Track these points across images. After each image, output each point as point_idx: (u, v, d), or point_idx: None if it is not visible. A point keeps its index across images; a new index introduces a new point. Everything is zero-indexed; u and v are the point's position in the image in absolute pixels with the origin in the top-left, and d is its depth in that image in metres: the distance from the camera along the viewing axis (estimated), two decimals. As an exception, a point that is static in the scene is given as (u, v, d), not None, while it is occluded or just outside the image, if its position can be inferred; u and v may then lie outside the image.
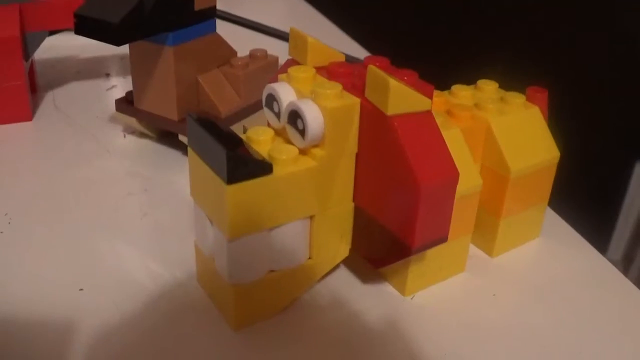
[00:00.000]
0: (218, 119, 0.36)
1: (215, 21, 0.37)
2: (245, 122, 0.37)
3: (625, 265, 0.74)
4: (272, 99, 0.25)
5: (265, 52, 0.38)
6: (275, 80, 0.26)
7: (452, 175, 0.24)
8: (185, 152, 0.36)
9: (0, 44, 0.39)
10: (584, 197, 0.61)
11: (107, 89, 0.47)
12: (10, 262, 0.28)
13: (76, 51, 0.52)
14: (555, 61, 0.63)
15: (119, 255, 0.29)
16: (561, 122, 0.32)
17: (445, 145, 0.24)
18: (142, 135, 0.40)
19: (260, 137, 0.24)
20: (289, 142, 0.25)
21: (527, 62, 0.55)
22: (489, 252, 0.30)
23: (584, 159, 0.57)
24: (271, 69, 0.38)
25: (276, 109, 0.25)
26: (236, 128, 0.36)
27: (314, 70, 0.26)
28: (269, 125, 0.26)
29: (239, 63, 0.37)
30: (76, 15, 0.32)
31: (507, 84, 0.31)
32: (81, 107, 0.43)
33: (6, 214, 0.32)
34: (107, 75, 0.49)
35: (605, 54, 0.64)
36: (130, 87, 0.37)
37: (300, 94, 0.25)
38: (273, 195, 0.23)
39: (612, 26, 0.62)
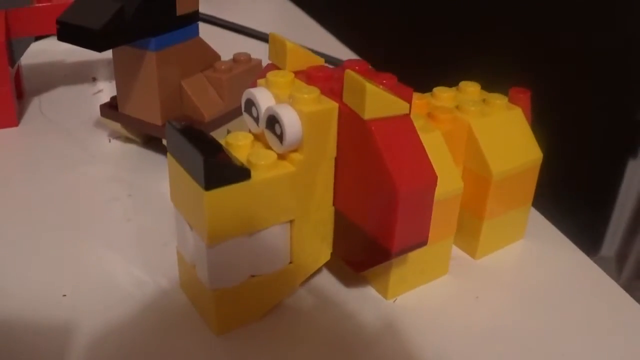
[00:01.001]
0: (202, 123, 0.36)
1: (197, 25, 0.36)
2: (229, 126, 0.37)
3: (619, 262, 0.74)
4: (250, 104, 0.25)
5: (249, 55, 0.38)
6: (255, 85, 0.26)
7: (430, 179, 0.24)
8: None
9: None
10: (573, 197, 0.61)
11: (94, 94, 0.47)
12: (-8, 270, 0.28)
13: (62, 56, 0.52)
14: (541, 61, 0.63)
15: (103, 261, 0.29)
16: (550, 121, 0.31)
17: (424, 149, 0.24)
18: (127, 140, 0.39)
19: (239, 142, 0.24)
20: (268, 147, 0.25)
21: (511, 62, 0.55)
22: (472, 254, 0.30)
23: (575, 158, 0.57)
24: (255, 73, 0.38)
25: (255, 114, 0.25)
26: (220, 132, 0.36)
27: (292, 74, 0.26)
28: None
29: (223, 67, 0.37)
30: (59, 22, 0.32)
31: (491, 85, 0.31)
32: (67, 112, 0.43)
33: (-11, 221, 0.32)
34: (94, 79, 0.49)
35: (595, 52, 0.64)
36: (116, 92, 0.37)
37: (279, 99, 0.25)
38: (252, 201, 0.23)
39: (599, 24, 0.63)
